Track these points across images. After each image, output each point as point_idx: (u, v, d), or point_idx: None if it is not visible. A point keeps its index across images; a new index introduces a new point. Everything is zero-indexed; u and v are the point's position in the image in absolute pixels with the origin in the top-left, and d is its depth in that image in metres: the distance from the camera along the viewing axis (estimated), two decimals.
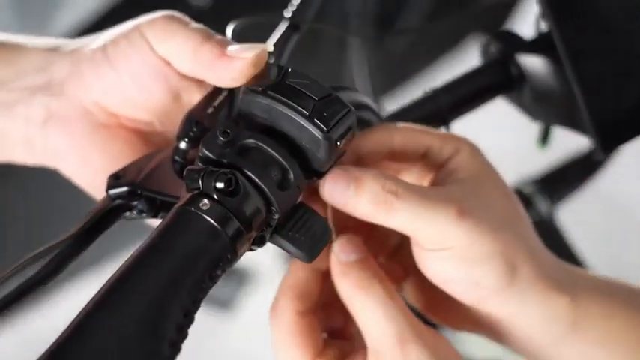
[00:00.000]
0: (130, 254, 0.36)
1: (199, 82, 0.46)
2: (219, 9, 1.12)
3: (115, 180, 0.43)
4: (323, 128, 0.39)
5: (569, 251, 0.83)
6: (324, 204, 0.44)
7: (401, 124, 0.48)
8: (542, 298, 0.45)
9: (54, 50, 0.48)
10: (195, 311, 0.35)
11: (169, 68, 0.45)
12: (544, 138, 0.66)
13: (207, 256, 0.36)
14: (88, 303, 0.34)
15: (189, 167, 0.39)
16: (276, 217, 0.39)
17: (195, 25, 0.45)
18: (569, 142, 0.81)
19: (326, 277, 0.46)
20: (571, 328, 0.46)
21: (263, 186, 0.38)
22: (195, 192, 0.37)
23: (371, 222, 0.44)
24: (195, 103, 0.45)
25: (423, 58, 1.53)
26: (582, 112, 0.50)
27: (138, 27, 0.45)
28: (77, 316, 0.33)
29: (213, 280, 0.36)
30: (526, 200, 0.85)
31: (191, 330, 0.35)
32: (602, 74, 0.50)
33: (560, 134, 0.64)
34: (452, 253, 0.43)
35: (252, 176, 0.38)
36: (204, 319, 1.34)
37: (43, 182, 1.05)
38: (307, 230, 0.40)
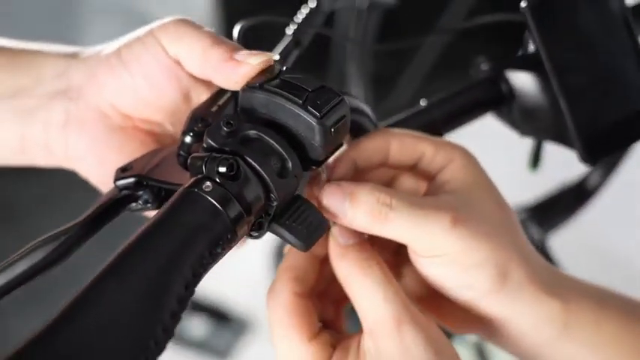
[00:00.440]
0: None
1: (207, 84, 0.49)
2: None
3: (122, 172, 0.45)
4: (316, 114, 0.42)
5: None
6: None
7: (397, 130, 0.50)
8: (534, 301, 0.46)
9: (71, 57, 0.51)
10: (195, 285, 0.37)
11: (180, 69, 0.48)
12: (535, 160, 0.68)
13: (208, 233, 0.38)
14: (97, 273, 0.36)
15: (194, 154, 0.41)
16: (275, 204, 0.41)
17: (205, 28, 0.48)
18: (560, 171, 0.84)
19: (322, 264, 0.48)
20: (562, 331, 0.47)
21: (263, 172, 0.40)
22: (199, 176, 0.40)
23: (368, 233, 0.46)
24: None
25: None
26: (568, 125, 0.53)
27: (151, 30, 0.48)
28: (86, 283, 0.35)
29: (213, 257, 0.38)
30: None
31: None
32: (585, 89, 0.53)
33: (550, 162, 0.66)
34: (447, 259, 0.45)
35: (253, 163, 0.40)
36: None
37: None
38: (304, 220, 0.42)
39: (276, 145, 0.42)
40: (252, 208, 0.40)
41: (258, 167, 0.40)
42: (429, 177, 0.49)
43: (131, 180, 0.45)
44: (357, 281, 0.45)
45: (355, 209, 0.44)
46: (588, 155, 0.53)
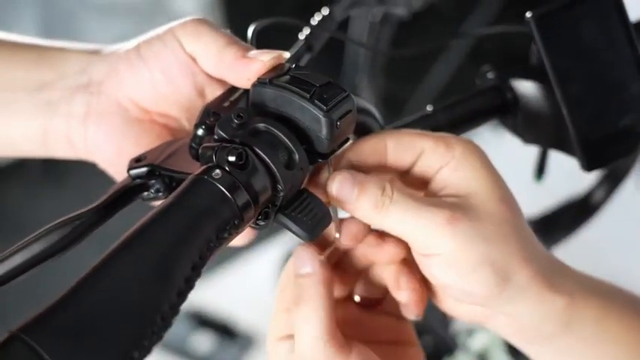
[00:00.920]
0: None
1: (221, 83, 0.51)
2: None
3: (136, 162, 0.47)
4: (323, 107, 0.43)
5: None
6: (325, 192, 0.47)
7: (394, 130, 0.51)
8: (537, 299, 0.47)
9: (93, 53, 0.53)
10: (201, 267, 0.39)
11: (196, 66, 0.50)
12: (539, 171, 0.70)
13: (216, 218, 0.40)
14: (110, 249, 0.38)
15: (205, 144, 0.43)
16: (281, 194, 0.43)
17: (222, 29, 0.50)
18: (565, 182, 0.85)
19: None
20: (564, 328, 0.48)
21: (270, 163, 0.42)
22: (210, 164, 0.42)
23: (369, 224, 0.47)
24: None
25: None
26: (569, 132, 0.54)
27: (171, 28, 0.51)
28: (102, 255, 0.37)
29: (220, 241, 0.40)
30: None
31: None
32: (587, 98, 0.54)
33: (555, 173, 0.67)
34: (443, 259, 0.46)
35: (262, 154, 0.42)
36: None
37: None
38: (309, 212, 0.44)
39: (284, 138, 0.44)
40: (259, 196, 0.42)
41: (266, 158, 0.42)
42: (429, 175, 0.49)
43: (144, 169, 0.47)
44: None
45: (360, 198, 0.46)
46: (588, 163, 0.54)
